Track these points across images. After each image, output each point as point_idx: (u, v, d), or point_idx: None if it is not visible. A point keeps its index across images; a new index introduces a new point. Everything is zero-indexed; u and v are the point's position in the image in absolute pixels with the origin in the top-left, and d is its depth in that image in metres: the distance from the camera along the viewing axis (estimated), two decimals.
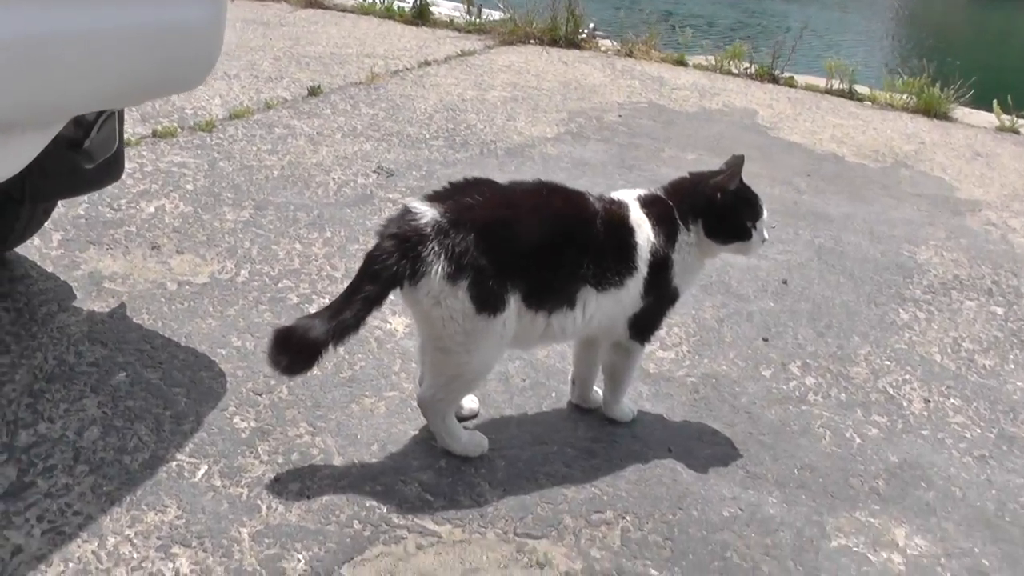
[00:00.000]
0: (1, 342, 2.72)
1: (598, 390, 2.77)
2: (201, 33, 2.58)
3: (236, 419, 2.54)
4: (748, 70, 8.14)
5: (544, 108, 6.16)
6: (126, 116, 4.66)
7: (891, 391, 3.20)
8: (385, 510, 2.26)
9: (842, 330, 3.58)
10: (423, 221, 2.22)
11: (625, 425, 2.74)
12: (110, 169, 2.88)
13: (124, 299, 3.06)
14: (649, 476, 2.54)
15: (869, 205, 5.12)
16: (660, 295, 2.53)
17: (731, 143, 5.92)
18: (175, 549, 2.08)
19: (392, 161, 4.70)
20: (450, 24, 8.84)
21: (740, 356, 3.27)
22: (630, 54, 8.30)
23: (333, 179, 4.34)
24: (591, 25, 8.90)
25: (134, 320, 2.96)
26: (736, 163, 2.64)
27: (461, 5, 9.58)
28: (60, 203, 3.44)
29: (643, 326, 2.57)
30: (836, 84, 7.91)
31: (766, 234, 2.67)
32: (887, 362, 3.39)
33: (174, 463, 2.34)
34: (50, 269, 3.18)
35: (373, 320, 2.30)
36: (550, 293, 2.34)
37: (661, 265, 2.50)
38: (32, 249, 3.27)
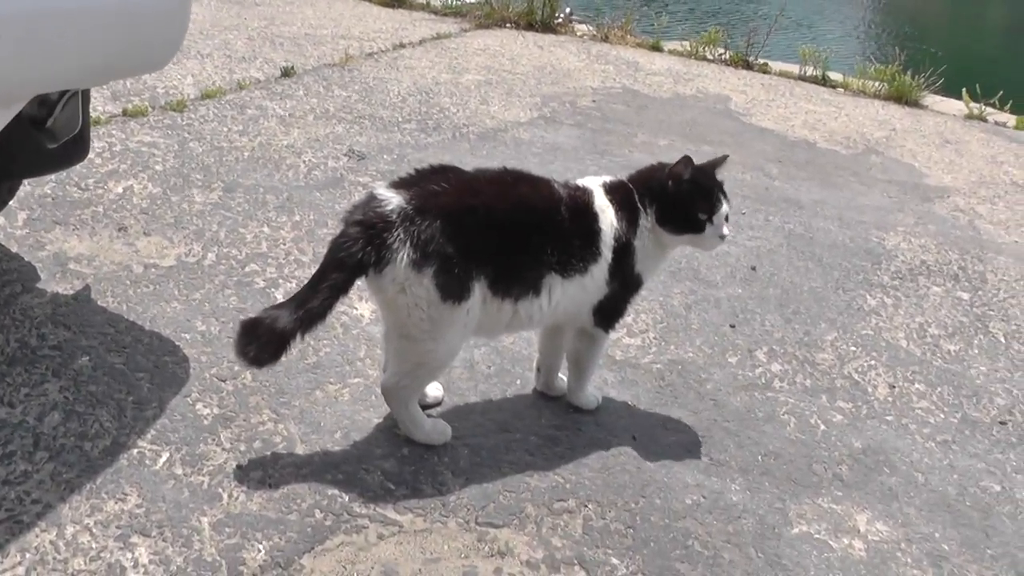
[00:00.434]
0: None
1: (563, 377, 2.75)
2: (166, 13, 2.53)
3: (199, 405, 2.50)
4: (723, 56, 8.11)
5: (518, 92, 6.11)
6: (96, 94, 4.61)
7: (856, 377, 3.20)
8: (347, 499, 2.23)
9: (809, 316, 3.57)
10: (389, 208, 2.19)
11: (590, 413, 2.73)
12: (75, 149, 2.82)
13: (89, 281, 3.01)
14: (612, 464, 2.52)
15: (839, 191, 5.12)
16: (623, 282, 2.51)
17: (704, 129, 5.91)
18: (134, 539, 2.05)
19: (364, 144, 4.65)
20: (426, 6, 8.76)
21: (707, 343, 3.25)
22: (606, 39, 8.25)
23: (304, 162, 4.29)
24: (567, 9, 8.83)
25: (99, 303, 2.91)
26: (718, 160, 2.63)
27: None
28: (26, 182, 3.37)
29: (608, 313, 2.55)
30: (809, 71, 7.90)
31: (725, 230, 2.58)
32: (853, 348, 3.39)
33: (135, 450, 2.31)
34: (14, 249, 3.13)
35: (339, 306, 2.26)
36: (516, 280, 2.32)
37: (624, 251, 2.47)
38: None
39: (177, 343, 2.76)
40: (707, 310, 3.48)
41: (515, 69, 6.76)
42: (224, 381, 2.61)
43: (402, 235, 2.16)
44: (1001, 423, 3.07)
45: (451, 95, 5.80)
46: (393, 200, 2.20)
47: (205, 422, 2.44)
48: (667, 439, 2.69)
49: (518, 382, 2.82)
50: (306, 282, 2.24)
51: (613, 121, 5.77)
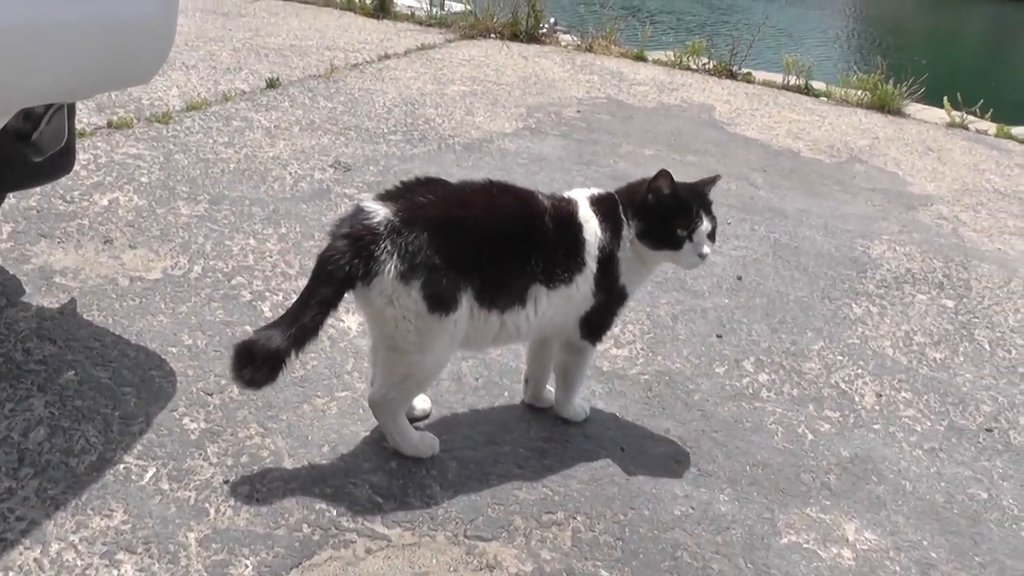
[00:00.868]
0: None
1: (551, 389, 2.74)
2: (152, 27, 2.51)
3: (186, 420, 2.48)
4: (707, 66, 8.15)
5: (503, 103, 6.11)
6: (81, 106, 4.59)
7: (843, 386, 3.20)
8: (335, 513, 2.22)
9: (796, 325, 3.58)
10: (376, 220, 2.18)
11: (578, 424, 2.71)
12: (60, 162, 2.80)
13: (75, 294, 2.99)
14: (601, 476, 2.51)
15: (824, 200, 5.13)
16: (608, 293, 2.50)
17: (689, 138, 5.92)
18: (120, 555, 2.02)
19: (349, 156, 4.63)
20: (411, 17, 8.77)
21: (694, 353, 3.25)
22: (590, 49, 8.28)
23: (290, 173, 4.27)
24: (551, 20, 8.86)
25: (84, 316, 2.89)
26: (709, 179, 2.61)
27: None
28: (11, 195, 3.35)
29: (594, 325, 2.54)
30: (793, 80, 7.95)
31: (706, 249, 2.51)
32: (840, 357, 3.39)
33: (122, 465, 2.28)
34: None
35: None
36: (502, 292, 2.31)
37: (608, 262, 2.46)
38: None
39: (163, 357, 2.74)
40: (694, 320, 3.48)
41: (500, 80, 6.76)
42: (211, 395, 2.59)
43: (389, 247, 2.15)
44: (987, 430, 3.08)
45: (436, 106, 5.79)
46: (380, 212, 2.19)
47: (192, 437, 2.42)
48: (655, 450, 2.68)
49: (506, 394, 2.81)
50: (296, 298, 2.23)
51: (598, 131, 5.77)
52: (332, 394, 2.67)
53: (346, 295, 2.22)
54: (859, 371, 3.32)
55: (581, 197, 2.50)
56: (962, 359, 3.53)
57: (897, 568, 2.37)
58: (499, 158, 4.98)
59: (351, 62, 6.62)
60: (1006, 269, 4.50)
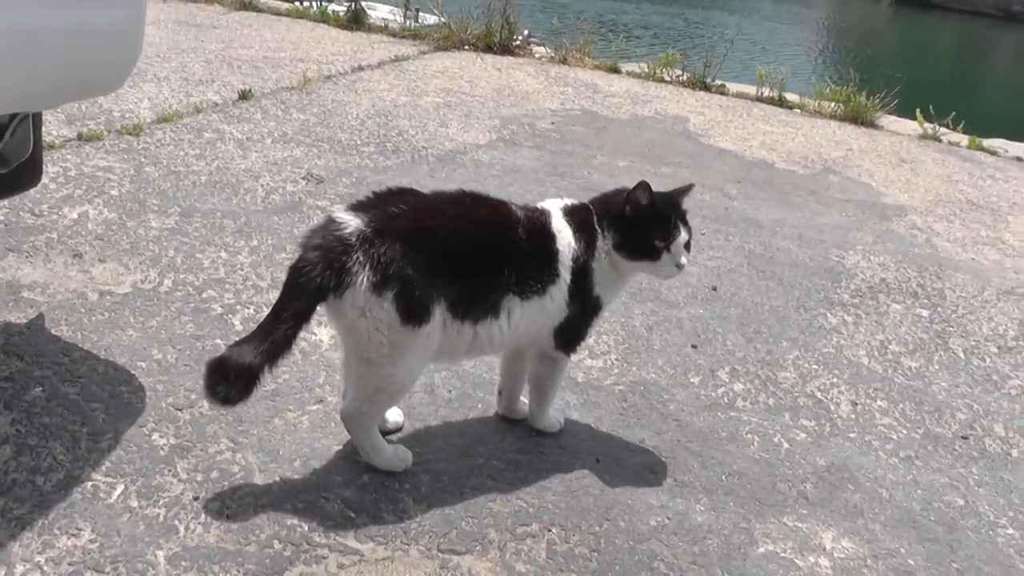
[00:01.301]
0: None
1: (525, 401, 2.72)
2: (119, 34, 2.49)
3: (155, 436, 2.45)
4: (680, 78, 8.18)
5: (477, 114, 6.11)
6: (50, 118, 4.56)
7: (819, 395, 3.20)
8: (306, 528, 2.19)
9: (771, 335, 3.58)
10: (347, 231, 2.16)
11: (552, 436, 2.70)
12: (27, 174, 2.77)
13: (43, 309, 2.95)
14: (576, 487, 2.50)
15: (798, 211, 5.15)
16: (583, 304, 2.48)
17: (663, 150, 5.93)
18: (87, 575, 1.99)
19: (322, 167, 4.61)
20: (385, 29, 8.76)
21: (669, 363, 3.24)
22: (564, 61, 8.29)
23: (262, 185, 4.24)
24: (525, 32, 8.88)
25: (53, 332, 2.85)
26: (682, 188, 2.60)
27: (397, 10, 9.50)
28: None
29: (568, 336, 2.53)
30: (767, 92, 8.00)
31: (683, 259, 2.51)
32: (815, 366, 3.39)
33: (90, 483, 2.25)
34: None
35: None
36: (475, 303, 2.30)
37: (582, 273, 2.45)
38: None
39: (133, 372, 2.70)
40: (669, 331, 3.47)
41: (474, 91, 6.76)
42: (181, 410, 2.56)
43: (361, 258, 2.13)
44: (963, 438, 3.08)
45: (410, 117, 5.78)
46: (352, 223, 2.17)
47: (161, 453, 2.39)
48: (631, 461, 2.66)
49: (480, 406, 2.79)
50: (268, 312, 2.20)
51: (572, 143, 5.78)
52: (304, 408, 2.64)
53: (319, 308, 2.20)
54: (834, 380, 3.32)
55: (554, 207, 2.49)
56: (937, 367, 3.54)
57: None
58: (473, 169, 4.97)
59: (324, 74, 6.60)
60: (979, 278, 4.52)
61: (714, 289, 3.90)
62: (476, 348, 2.40)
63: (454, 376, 2.90)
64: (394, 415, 2.60)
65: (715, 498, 2.56)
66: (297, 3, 9.29)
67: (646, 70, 8.28)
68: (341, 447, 2.48)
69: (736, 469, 2.71)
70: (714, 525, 2.45)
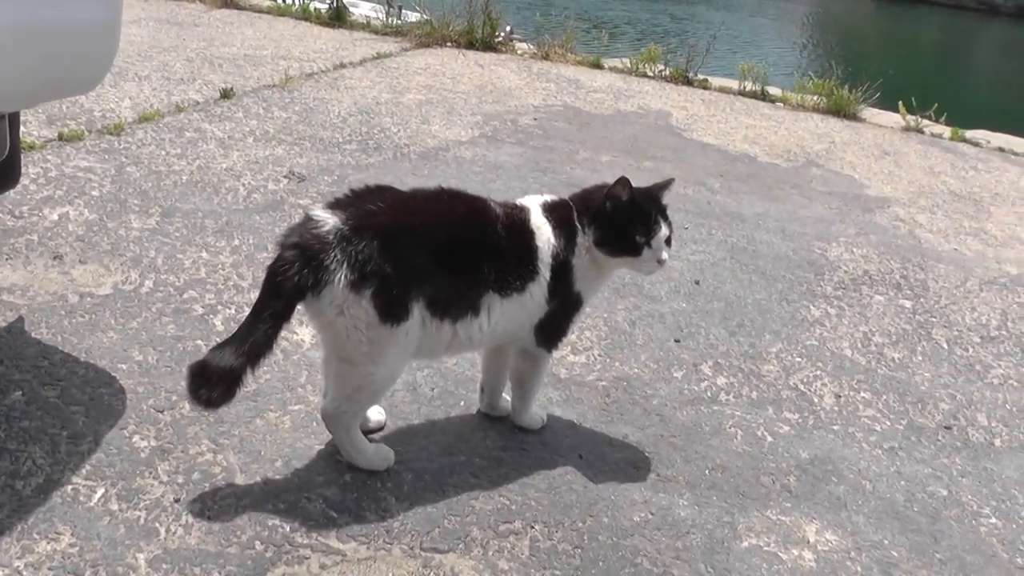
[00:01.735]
0: None
1: (507, 398, 2.71)
2: (95, 33, 2.47)
3: (136, 438, 2.43)
4: (663, 72, 8.17)
5: (459, 111, 6.09)
6: (30, 118, 4.53)
7: (802, 387, 3.20)
8: (288, 529, 2.18)
9: (754, 328, 3.58)
10: (325, 229, 2.15)
11: (535, 432, 2.69)
12: (3, 176, 2.74)
13: (23, 312, 2.93)
14: (559, 483, 2.49)
15: (781, 204, 5.15)
16: (563, 300, 2.48)
17: (646, 145, 5.92)
18: None
19: (304, 166, 4.59)
20: (367, 26, 8.71)
21: (652, 358, 3.24)
22: (546, 57, 8.27)
23: (243, 184, 4.22)
24: (508, 28, 8.85)
25: (32, 334, 2.83)
26: (663, 183, 2.59)
27: (380, 7, 9.46)
28: None
29: (549, 332, 2.52)
30: (749, 86, 7.98)
31: (665, 255, 2.51)
32: (798, 359, 3.39)
33: (69, 487, 2.23)
34: None
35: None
36: (454, 300, 2.29)
37: (562, 269, 2.44)
38: None
39: (113, 374, 2.69)
40: (651, 325, 3.47)
41: (456, 88, 6.74)
42: (162, 412, 2.54)
43: (339, 256, 2.12)
44: (946, 428, 3.09)
45: (392, 115, 5.76)
46: (329, 221, 2.16)
47: (142, 455, 2.37)
48: (614, 456, 2.66)
49: (462, 403, 2.78)
50: (248, 313, 2.19)
51: (555, 138, 5.77)
52: (285, 408, 2.63)
53: (299, 307, 2.18)
54: (818, 372, 3.32)
55: (534, 204, 2.48)
56: (920, 358, 3.55)
57: (858, 568, 2.37)
58: (455, 166, 4.96)
59: (306, 71, 6.57)
60: (962, 269, 4.53)
61: (697, 283, 3.89)
62: (456, 345, 2.39)
63: (436, 374, 2.89)
64: (376, 414, 2.59)
65: (698, 492, 2.56)
66: (279, 0, 9.24)
67: (629, 65, 8.26)
68: (323, 447, 2.47)
69: (719, 463, 2.71)
70: (697, 520, 2.45)
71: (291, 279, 2.12)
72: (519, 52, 8.43)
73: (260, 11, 8.81)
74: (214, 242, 3.59)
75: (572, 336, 2.94)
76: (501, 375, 2.67)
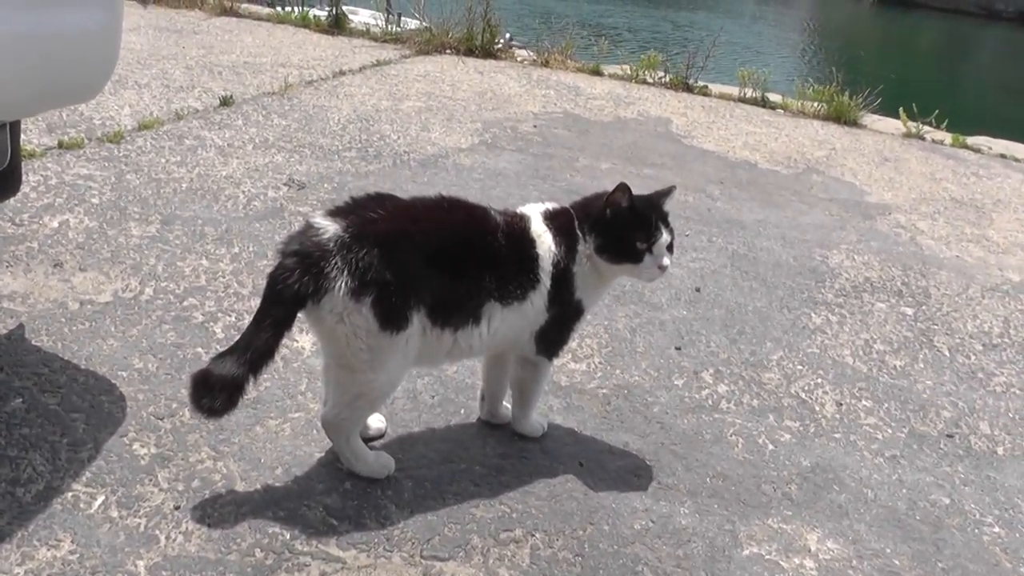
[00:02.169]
0: None
1: (508, 405, 2.72)
2: (95, 41, 2.48)
3: (136, 445, 2.44)
4: (663, 79, 8.19)
5: (459, 118, 6.11)
6: (31, 126, 4.54)
7: (803, 395, 3.21)
8: (288, 536, 2.18)
9: (755, 336, 3.58)
10: (325, 236, 2.16)
11: (535, 440, 2.69)
12: (4, 184, 2.75)
13: (23, 319, 2.94)
14: (560, 491, 2.49)
15: (782, 211, 5.16)
16: (564, 308, 2.48)
17: (646, 152, 5.94)
18: None
19: (304, 173, 4.60)
20: (366, 33, 8.75)
21: (652, 366, 3.24)
22: (546, 64, 8.30)
23: (243, 192, 4.23)
24: (507, 35, 8.88)
25: (33, 342, 2.83)
26: (664, 191, 2.60)
27: (379, 14, 9.49)
28: None
29: (550, 341, 2.53)
30: (749, 92, 8.01)
31: (666, 261, 2.51)
32: (799, 366, 3.40)
33: (70, 494, 2.24)
34: None
35: None
36: (454, 308, 2.30)
37: (562, 277, 2.44)
38: None
39: (113, 381, 2.69)
40: (652, 333, 3.47)
41: (455, 95, 6.75)
42: (162, 419, 2.55)
43: (340, 263, 2.13)
44: (948, 436, 3.09)
45: (391, 122, 5.78)
46: (330, 228, 2.17)
47: (142, 462, 2.38)
48: (614, 464, 2.66)
49: (462, 411, 2.79)
50: (249, 321, 2.20)
51: (555, 146, 5.78)
52: (285, 415, 2.64)
53: (300, 314, 2.19)
54: (819, 380, 3.32)
55: (534, 212, 2.49)
56: (922, 366, 3.55)
57: None
58: (455, 174, 4.97)
59: (306, 79, 6.59)
60: (964, 276, 4.54)
61: (697, 290, 3.90)
62: (456, 353, 2.40)
63: (436, 381, 2.90)
64: (376, 421, 2.59)
65: (699, 501, 2.56)
66: (278, 8, 9.27)
67: (629, 72, 8.28)
68: (323, 454, 2.48)
69: (720, 471, 2.71)
70: (698, 528, 2.45)
71: (291, 287, 2.12)
72: (519, 59, 8.45)
73: (259, 19, 8.84)
74: (214, 249, 3.60)
75: (572, 344, 2.94)
76: (502, 383, 2.68)
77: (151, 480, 2.32)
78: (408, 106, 6.25)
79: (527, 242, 2.40)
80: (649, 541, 2.36)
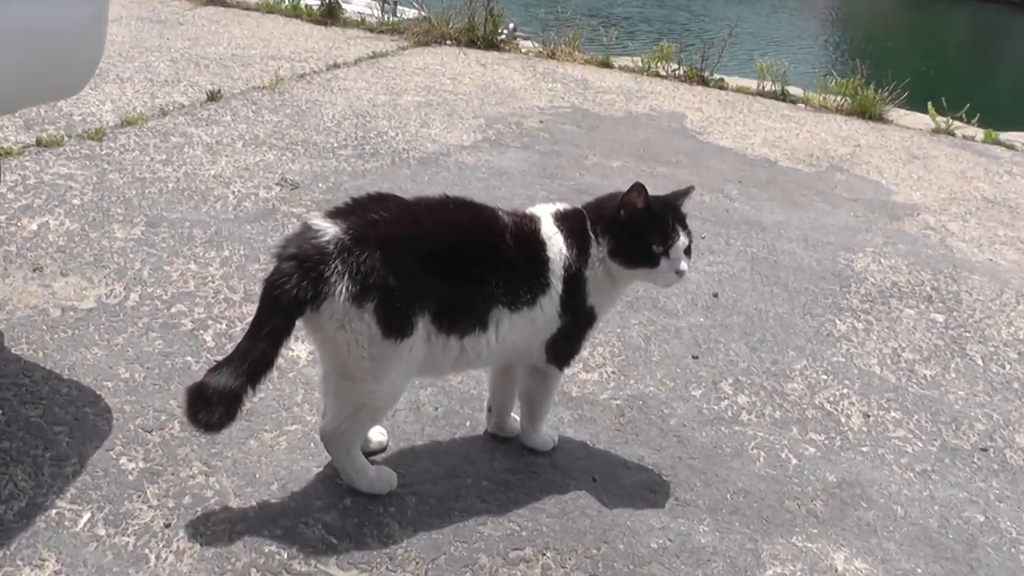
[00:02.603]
0: None
1: (516, 417, 2.73)
2: (80, 35, 2.49)
3: (123, 459, 2.45)
4: (676, 72, 8.20)
5: (461, 114, 6.13)
6: (6, 123, 4.56)
7: (828, 407, 3.22)
8: (285, 556, 2.20)
9: (776, 344, 3.59)
10: (325, 239, 2.16)
11: (545, 454, 2.71)
12: None
13: (1, 327, 2.95)
14: (571, 508, 2.51)
15: (803, 211, 5.17)
16: (575, 315, 2.49)
17: (659, 149, 5.95)
18: None
19: (297, 172, 4.62)
20: (361, 23, 8.77)
21: (668, 375, 3.26)
22: (552, 56, 8.32)
23: (233, 192, 4.25)
24: (511, 25, 8.90)
25: (12, 351, 2.85)
26: (681, 191, 2.61)
27: (374, 3, 9.51)
28: None
29: (561, 349, 2.54)
30: (768, 86, 8.01)
31: (683, 265, 2.51)
32: (824, 376, 3.41)
33: (54, 511, 2.25)
34: None
35: None
36: (461, 314, 2.31)
37: (574, 282, 2.45)
38: None
39: (98, 392, 2.71)
40: (668, 341, 3.49)
41: (457, 89, 6.78)
42: (150, 432, 2.57)
43: (340, 267, 2.14)
44: (982, 450, 3.10)
45: (389, 118, 5.80)
46: (329, 231, 2.17)
47: (130, 477, 2.39)
48: (629, 479, 2.68)
49: (468, 424, 2.80)
50: (245, 329, 2.21)
51: (562, 142, 5.80)
52: (281, 428, 2.65)
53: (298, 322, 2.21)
54: (845, 391, 3.34)
55: (545, 213, 2.50)
56: (954, 375, 3.56)
57: None
58: (457, 172, 4.99)
59: (298, 72, 6.62)
60: (998, 280, 4.55)
61: (715, 296, 3.92)
62: (462, 362, 2.41)
63: (441, 392, 2.92)
64: (377, 434, 2.60)
65: (719, 518, 2.57)
66: None
67: (640, 64, 8.30)
68: (321, 469, 2.49)
69: (741, 487, 2.72)
70: (719, 547, 2.46)
71: (289, 292, 2.13)
72: (523, 50, 8.47)
73: (247, 8, 8.87)
74: (203, 253, 3.62)
75: (584, 353, 2.96)
76: (509, 393, 2.69)
77: (140, 496, 2.33)
78: (407, 101, 6.27)
79: (537, 244, 2.41)
80: (667, 561, 2.38)
